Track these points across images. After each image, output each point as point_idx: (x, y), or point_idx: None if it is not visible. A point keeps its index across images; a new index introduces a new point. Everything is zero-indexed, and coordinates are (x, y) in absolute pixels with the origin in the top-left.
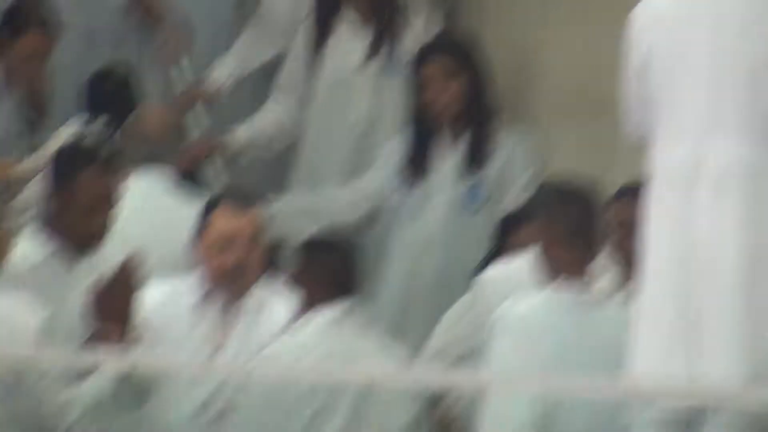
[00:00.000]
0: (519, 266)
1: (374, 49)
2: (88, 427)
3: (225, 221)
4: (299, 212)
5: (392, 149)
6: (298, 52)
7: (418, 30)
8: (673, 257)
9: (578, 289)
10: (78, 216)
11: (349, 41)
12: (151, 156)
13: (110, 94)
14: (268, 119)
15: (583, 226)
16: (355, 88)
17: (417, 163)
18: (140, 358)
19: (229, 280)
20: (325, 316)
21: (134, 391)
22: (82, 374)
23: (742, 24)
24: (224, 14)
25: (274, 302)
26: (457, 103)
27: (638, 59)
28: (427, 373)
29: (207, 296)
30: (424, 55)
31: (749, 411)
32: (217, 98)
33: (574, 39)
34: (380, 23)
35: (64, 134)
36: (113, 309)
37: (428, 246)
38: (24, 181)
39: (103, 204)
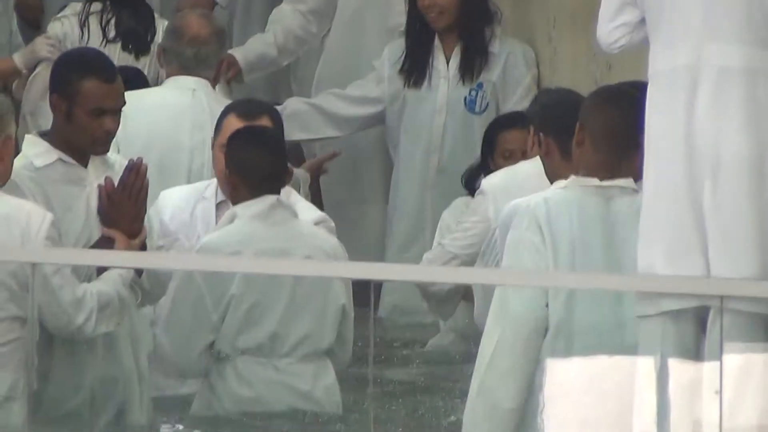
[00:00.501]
0: (524, 172)
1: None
2: (98, 327)
3: (231, 128)
4: (308, 113)
5: (392, 52)
6: None
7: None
8: (676, 158)
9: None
10: (80, 124)
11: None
12: (196, 59)
13: None
14: (259, 41)
15: (619, 131)
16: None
17: (415, 68)
18: (147, 258)
19: None
20: (250, 210)
21: (143, 293)
22: (90, 275)
23: None
24: None
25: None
26: (451, 9)
27: None
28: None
29: (223, 201)
30: None
31: (757, 308)
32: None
33: None
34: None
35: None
36: (121, 213)
37: (432, 151)
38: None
39: (106, 113)
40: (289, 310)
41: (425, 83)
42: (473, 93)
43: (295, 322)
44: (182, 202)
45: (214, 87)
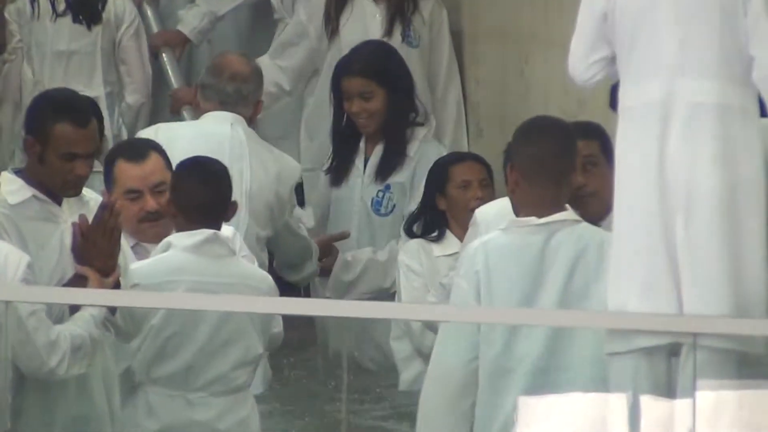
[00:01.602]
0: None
1: (390, 26)
2: (71, 369)
3: (124, 173)
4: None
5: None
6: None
7: (426, 11)
8: (648, 193)
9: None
10: (52, 167)
11: (364, 18)
12: (236, 95)
13: None
14: None
15: (551, 161)
16: None
17: (338, 169)
18: (120, 297)
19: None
20: (184, 241)
21: (116, 330)
22: (63, 313)
23: None
24: None
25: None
26: (372, 119)
27: (602, 3)
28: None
29: (136, 244)
30: (342, 70)
31: (730, 344)
32: (189, 43)
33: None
34: (392, 3)
35: None
36: (95, 251)
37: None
38: None
39: (78, 157)
40: (207, 346)
41: (344, 182)
42: (380, 194)
43: (212, 360)
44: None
45: (249, 124)
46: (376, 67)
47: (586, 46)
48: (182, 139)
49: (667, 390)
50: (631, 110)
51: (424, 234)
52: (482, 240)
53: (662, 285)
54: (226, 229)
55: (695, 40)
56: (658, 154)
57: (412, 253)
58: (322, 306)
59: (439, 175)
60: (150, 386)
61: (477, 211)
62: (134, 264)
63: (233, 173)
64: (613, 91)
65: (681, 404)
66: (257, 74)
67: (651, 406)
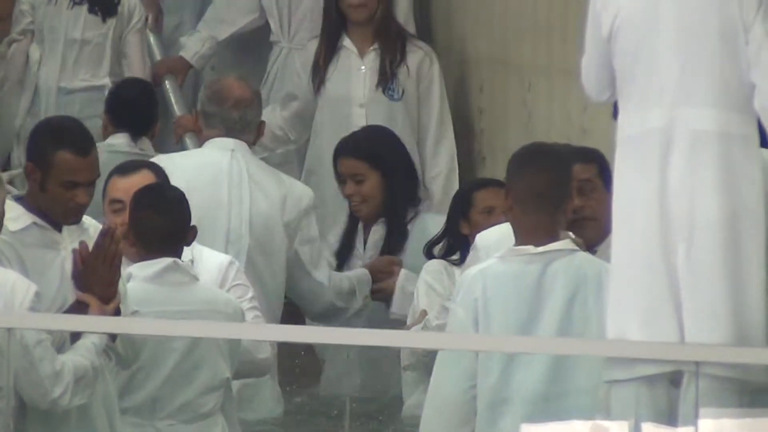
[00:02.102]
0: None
1: (374, 79)
2: (73, 400)
3: (115, 187)
4: None
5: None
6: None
7: (413, 64)
8: (649, 221)
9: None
10: (53, 195)
11: (349, 71)
12: (241, 122)
13: None
14: None
15: (545, 189)
16: (360, 116)
17: (340, 252)
18: (120, 324)
19: None
20: (144, 271)
21: (117, 357)
22: (63, 343)
23: None
24: None
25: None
26: (365, 203)
27: (606, 28)
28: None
29: None
30: (338, 151)
31: (732, 373)
32: (192, 69)
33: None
34: (383, 52)
35: None
36: (95, 277)
37: None
38: None
39: (78, 186)
40: (175, 374)
41: (345, 265)
42: None
43: (180, 388)
44: None
45: (252, 146)
46: (369, 150)
47: (597, 69)
48: (181, 169)
49: (668, 418)
50: (631, 138)
51: (446, 256)
52: (480, 268)
53: (663, 313)
54: (225, 258)
55: (696, 67)
56: (659, 182)
57: (435, 273)
58: (311, 333)
59: (463, 200)
60: (119, 416)
61: (478, 236)
62: None
63: (233, 200)
64: (617, 103)
65: None
66: (258, 98)
67: None
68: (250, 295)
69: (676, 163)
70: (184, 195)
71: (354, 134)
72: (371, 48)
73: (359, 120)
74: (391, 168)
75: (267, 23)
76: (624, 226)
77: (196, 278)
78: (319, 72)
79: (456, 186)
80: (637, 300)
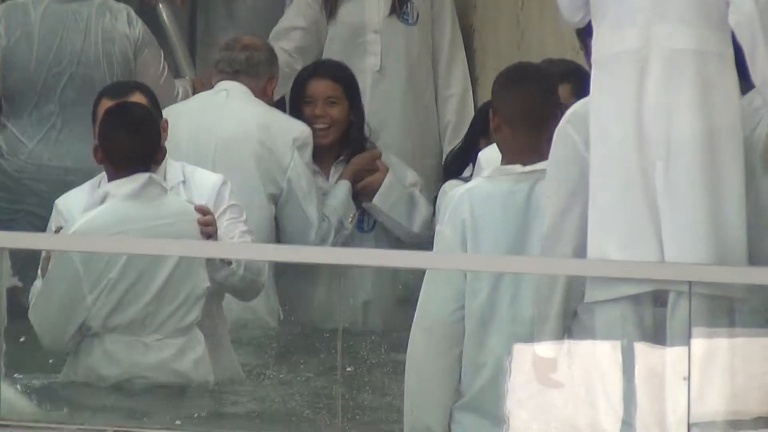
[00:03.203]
0: None
1: (395, 3)
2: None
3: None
4: None
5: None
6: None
7: None
8: (627, 142)
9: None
10: None
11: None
12: (248, 63)
13: None
14: None
15: (534, 108)
16: (375, 42)
17: None
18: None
19: None
20: (122, 189)
21: None
22: None
23: None
24: None
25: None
26: (332, 128)
27: None
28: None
29: None
30: (310, 74)
31: (718, 291)
32: None
33: None
34: None
35: None
36: None
37: None
38: None
39: None
40: (162, 290)
41: None
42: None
43: (166, 303)
44: (86, 200)
45: (264, 99)
46: (347, 77)
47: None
48: (181, 113)
49: (654, 337)
50: (606, 59)
51: (461, 174)
52: (466, 187)
53: (643, 233)
54: (217, 177)
55: None
56: (636, 101)
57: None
58: (303, 252)
59: (484, 117)
60: (107, 334)
61: (481, 153)
62: (80, 217)
63: (206, 123)
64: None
65: (673, 352)
66: (270, 49)
67: (642, 352)
68: (244, 217)
69: (653, 82)
70: (151, 114)
71: (328, 60)
72: None
73: (374, 46)
74: (357, 103)
75: None
76: (600, 149)
77: (165, 190)
78: (329, 1)
79: (470, 107)
80: (616, 220)
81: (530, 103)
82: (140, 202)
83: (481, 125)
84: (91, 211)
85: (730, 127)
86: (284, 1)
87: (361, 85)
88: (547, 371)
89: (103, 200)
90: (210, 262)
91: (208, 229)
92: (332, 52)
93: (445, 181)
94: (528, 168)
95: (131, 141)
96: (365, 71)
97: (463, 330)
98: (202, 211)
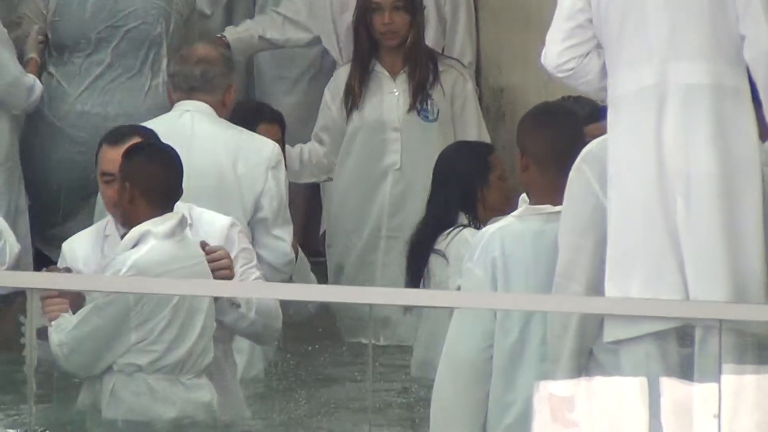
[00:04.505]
0: None
1: (407, 102)
2: None
3: (106, 158)
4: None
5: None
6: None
7: (448, 85)
8: (648, 179)
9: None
10: None
11: (381, 94)
12: (203, 79)
13: None
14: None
15: (565, 148)
16: (395, 140)
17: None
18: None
19: None
20: (162, 228)
21: None
22: None
23: None
24: None
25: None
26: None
27: None
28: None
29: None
30: None
31: (740, 327)
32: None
33: None
34: (415, 74)
35: None
36: None
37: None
38: None
39: None
40: (202, 329)
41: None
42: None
43: (200, 343)
44: (89, 247)
45: (223, 110)
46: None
47: (563, 30)
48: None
49: (681, 374)
50: (623, 98)
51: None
52: (497, 226)
53: (667, 270)
54: (226, 220)
55: (686, 23)
56: (655, 139)
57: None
58: (318, 292)
59: (481, 166)
60: (152, 375)
61: (467, 231)
62: (129, 256)
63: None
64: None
65: (701, 389)
66: (225, 59)
67: (668, 389)
68: (255, 262)
69: (671, 118)
70: (176, 152)
71: None
72: (402, 70)
73: (394, 144)
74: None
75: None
76: (622, 185)
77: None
78: (352, 97)
79: None
80: (639, 257)
81: (559, 143)
82: (176, 241)
83: (482, 173)
84: (135, 250)
85: (748, 161)
86: None
87: (381, 183)
88: (563, 410)
89: (138, 241)
90: (218, 305)
91: (224, 272)
92: (352, 149)
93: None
94: (558, 208)
95: (169, 178)
96: (386, 170)
97: (491, 369)
98: (213, 252)
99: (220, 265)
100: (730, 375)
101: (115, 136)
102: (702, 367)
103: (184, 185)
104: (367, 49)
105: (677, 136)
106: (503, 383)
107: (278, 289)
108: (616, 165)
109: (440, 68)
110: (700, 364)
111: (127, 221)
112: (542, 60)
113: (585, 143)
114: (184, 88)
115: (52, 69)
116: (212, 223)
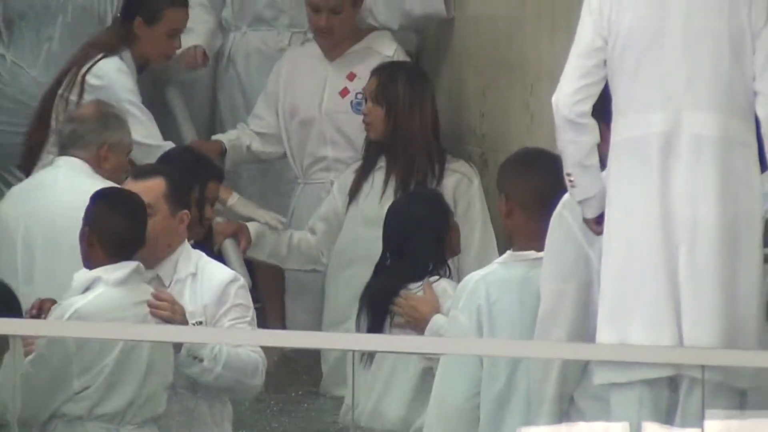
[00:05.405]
0: None
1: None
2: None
3: None
4: None
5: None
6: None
7: (449, 187)
8: (651, 225)
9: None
10: None
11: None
12: (72, 136)
13: None
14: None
15: (549, 192)
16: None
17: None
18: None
19: None
20: (114, 275)
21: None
22: None
23: None
24: None
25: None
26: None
27: (607, 33)
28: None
29: None
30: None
31: (723, 379)
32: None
33: None
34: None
35: None
36: None
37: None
38: None
39: None
40: (144, 378)
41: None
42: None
43: (144, 391)
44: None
45: (103, 169)
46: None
47: (581, 69)
48: (19, 193)
49: (667, 420)
50: (628, 141)
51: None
52: (482, 273)
53: (665, 317)
54: (228, 274)
55: (703, 73)
56: (660, 185)
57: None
58: (303, 338)
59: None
60: (90, 421)
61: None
62: (75, 301)
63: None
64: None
65: None
66: (99, 116)
67: None
68: (249, 317)
69: (678, 166)
70: (144, 203)
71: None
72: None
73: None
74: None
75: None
76: (621, 230)
77: (144, 278)
78: (354, 192)
79: None
80: (638, 302)
81: (543, 187)
82: (128, 290)
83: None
84: (81, 296)
85: (751, 214)
86: None
87: None
88: None
89: (89, 286)
90: (177, 357)
91: (160, 314)
92: (344, 244)
93: None
94: (542, 254)
95: (129, 227)
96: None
97: (478, 416)
98: (157, 296)
99: (156, 305)
100: (715, 420)
101: (141, 172)
102: (687, 415)
103: (42, 236)
104: (375, 150)
105: (685, 185)
106: (490, 429)
107: (241, 336)
108: (617, 208)
109: (445, 173)
110: (685, 411)
111: (87, 264)
112: (554, 99)
113: (566, 188)
114: (57, 145)
115: (4, 52)
116: (212, 278)
